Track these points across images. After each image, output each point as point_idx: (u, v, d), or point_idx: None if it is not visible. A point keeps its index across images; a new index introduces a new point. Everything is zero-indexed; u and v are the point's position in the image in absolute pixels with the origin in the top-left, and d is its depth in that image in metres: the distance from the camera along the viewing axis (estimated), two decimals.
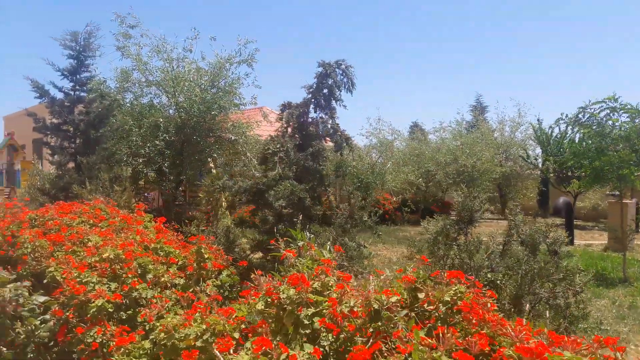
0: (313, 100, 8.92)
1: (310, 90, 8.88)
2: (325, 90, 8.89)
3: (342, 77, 8.93)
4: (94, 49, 13.21)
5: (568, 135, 21.48)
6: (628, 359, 5.32)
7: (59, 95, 13.12)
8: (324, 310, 3.01)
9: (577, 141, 17.90)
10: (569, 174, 20.72)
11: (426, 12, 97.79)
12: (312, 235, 4.33)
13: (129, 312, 3.90)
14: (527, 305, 4.09)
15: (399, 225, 18.81)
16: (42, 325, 3.90)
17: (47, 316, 3.97)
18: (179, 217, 9.82)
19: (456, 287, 3.07)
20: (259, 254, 8.03)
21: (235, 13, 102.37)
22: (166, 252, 4.83)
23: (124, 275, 4.13)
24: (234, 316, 3.31)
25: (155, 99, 14.88)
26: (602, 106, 10.84)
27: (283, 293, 3.16)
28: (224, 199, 9.06)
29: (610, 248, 13.81)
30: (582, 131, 11.77)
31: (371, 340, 2.86)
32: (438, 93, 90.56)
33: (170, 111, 14.69)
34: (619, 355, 2.44)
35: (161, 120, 13.80)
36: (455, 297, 3.02)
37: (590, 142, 11.64)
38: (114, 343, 3.38)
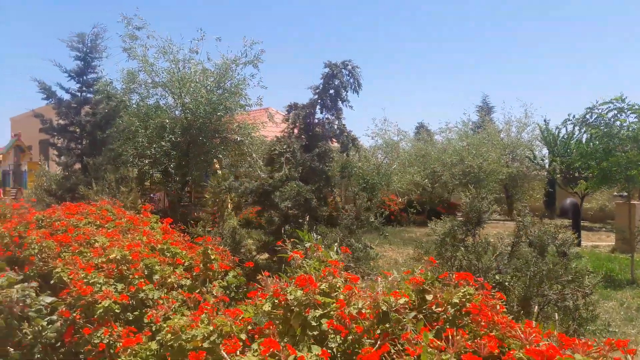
0: (319, 100, 8.91)
1: (317, 91, 8.87)
2: (331, 91, 8.88)
3: (348, 77, 8.91)
4: (101, 51, 13.29)
5: (575, 135, 21.38)
6: None
7: (66, 97, 13.20)
8: (332, 312, 3.00)
9: (584, 142, 17.80)
10: (576, 174, 20.60)
11: (427, 11, 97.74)
12: (319, 237, 4.31)
13: (136, 313, 3.89)
14: (536, 307, 4.05)
15: (404, 226, 18.75)
16: (49, 326, 3.90)
17: (54, 317, 3.97)
18: (184, 218, 9.83)
19: (465, 289, 3.05)
20: (265, 255, 8.03)
21: (235, 13, 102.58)
22: (173, 253, 4.82)
23: (130, 276, 4.13)
24: (240, 317, 3.30)
25: (162, 100, 14.95)
26: (609, 107, 10.77)
27: (290, 294, 3.14)
28: (229, 200, 9.06)
29: (617, 249, 13.71)
30: (589, 132, 11.70)
31: (379, 342, 2.84)
32: (442, 93, 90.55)
33: (176, 112, 14.72)
34: (630, 357, 2.41)
35: (167, 121, 13.83)
36: (464, 299, 2.99)
37: (597, 142, 11.58)
38: (121, 344, 3.38)
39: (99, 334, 3.53)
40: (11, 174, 27.54)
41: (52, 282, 4.45)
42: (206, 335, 3.12)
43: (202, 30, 14.33)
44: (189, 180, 14.60)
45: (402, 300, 2.93)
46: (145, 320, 3.73)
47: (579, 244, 13.85)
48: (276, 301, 3.26)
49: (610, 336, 4.86)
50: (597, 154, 11.41)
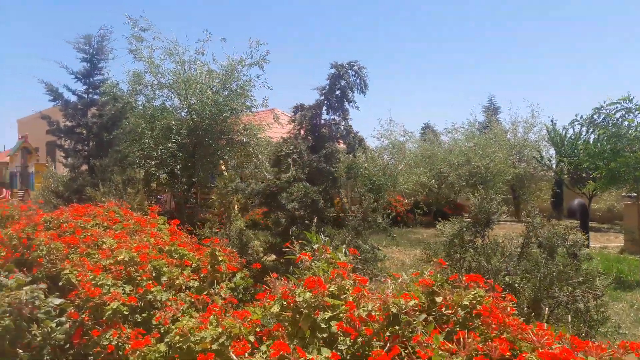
0: (325, 101, 8.89)
1: (323, 91, 8.85)
2: (337, 92, 8.86)
3: (354, 78, 8.89)
4: (107, 52, 13.33)
5: (583, 136, 21.25)
6: None
7: (73, 98, 13.25)
8: (341, 314, 2.98)
9: (591, 142, 17.69)
10: (584, 175, 20.47)
11: (427, 11, 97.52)
12: (327, 238, 4.30)
13: (144, 314, 3.89)
14: (547, 309, 4.01)
15: (411, 227, 18.69)
16: (58, 328, 3.90)
17: (63, 318, 3.97)
18: (191, 219, 9.84)
19: (475, 291, 3.02)
20: (273, 257, 8.02)
21: (235, 13, 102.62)
22: (180, 254, 4.81)
23: (138, 277, 4.13)
24: (248, 319, 3.29)
25: (168, 101, 14.99)
26: (617, 107, 10.70)
27: (299, 296, 3.12)
28: (236, 202, 9.06)
29: (626, 250, 13.61)
30: (597, 132, 11.63)
31: (389, 345, 2.82)
32: (444, 93, 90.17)
33: (182, 113, 14.75)
34: None
35: (173, 122, 13.86)
36: (474, 301, 2.96)
37: (605, 143, 11.51)
38: (130, 346, 3.37)
39: (107, 336, 3.52)
40: (18, 176, 27.66)
41: (60, 283, 4.45)
42: (215, 337, 3.11)
43: (207, 31, 14.38)
44: (195, 181, 14.62)
45: (412, 303, 2.91)
46: (154, 322, 3.73)
47: (587, 245, 13.75)
48: (285, 303, 3.24)
49: (621, 338, 4.82)
50: (605, 154, 11.34)
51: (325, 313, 2.98)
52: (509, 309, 2.96)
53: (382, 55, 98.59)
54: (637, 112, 10.49)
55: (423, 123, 36.62)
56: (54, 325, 3.92)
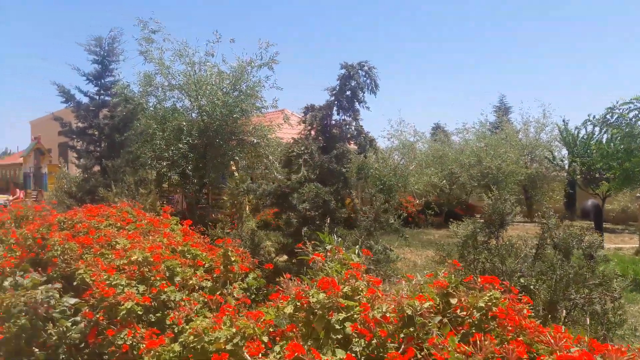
0: (336, 102, 8.88)
1: (333, 92, 8.84)
2: (348, 92, 8.85)
3: (365, 78, 8.87)
4: (118, 54, 13.43)
5: (595, 136, 21.02)
6: None
7: (84, 100, 13.37)
8: (355, 315, 2.96)
9: (604, 142, 17.51)
10: (597, 175, 20.26)
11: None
12: (340, 239, 4.28)
13: (158, 314, 3.90)
14: (564, 311, 3.96)
15: (422, 228, 18.59)
16: (73, 327, 3.93)
17: (78, 318, 4.00)
18: (202, 220, 9.87)
19: (491, 293, 2.99)
20: (284, 257, 8.02)
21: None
22: (193, 254, 4.83)
23: (152, 277, 4.14)
24: (262, 319, 3.29)
25: (178, 102, 15.07)
26: (630, 107, 10.59)
27: (313, 297, 3.11)
28: (247, 202, 9.09)
29: None
30: (610, 132, 11.52)
31: (403, 346, 2.80)
32: (455, 94, 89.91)
33: (193, 115, 14.82)
34: None
35: (184, 123, 13.92)
36: (490, 303, 2.94)
37: (618, 143, 11.38)
38: (144, 346, 3.38)
39: (122, 336, 3.54)
40: (32, 177, 28.01)
41: (74, 283, 4.48)
42: (229, 337, 3.11)
43: (217, 32, 14.44)
44: (206, 182, 14.68)
45: (427, 304, 2.89)
46: (168, 322, 3.74)
47: (602, 247, 13.58)
48: (298, 304, 3.23)
49: (638, 341, 4.75)
50: (618, 154, 11.22)
51: (340, 314, 2.97)
52: (525, 311, 2.93)
53: (383, 55, 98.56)
54: None
55: (433, 123, 36.50)
56: (69, 324, 3.95)
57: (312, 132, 9.02)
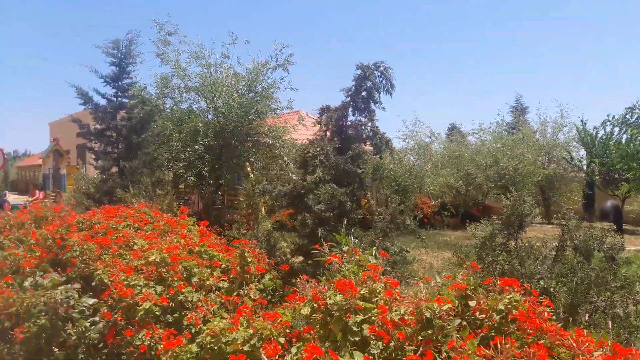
0: (351, 103, 8.85)
1: (349, 93, 8.81)
2: (363, 93, 8.81)
3: (380, 79, 8.82)
4: (135, 56, 13.56)
5: (614, 136, 20.70)
6: None
7: (102, 102, 13.53)
8: (373, 318, 2.94)
9: (624, 142, 17.22)
10: (616, 176, 19.93)
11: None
12: (357, 240, 4.26)
13: (175, 315, 3.92)
14: (586, 315, 3.89)
15: (438, 229, 18.46)
16: (92, 327, 3.97)
17: (97, 318, 4.03)
18: (218, 221, 9.91)
19: (511, 296, 2.95)
20: (300, 258, 8.01)
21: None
22: (210, 255, 4.85)
23: (170, 278, 4.17)
24: (278, 321, 3.28)
25: (194, 104, 15.16)
26: None
27: (330, 299, 3.10)
28: (263, 203, 9.11)
29: None
30: (630, 132, 11.33)
31: (422, 349, 2.77)
32: (471, 95, 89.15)
33: (209, 116, 14.91)
34: None
35: (200, 125, 14.01)
36: (510, 306, 2.90)
37: (638, 143, 11.19)
38: (162, 346, 3.40)
39: (140, 336, 3.57)
40: (51, 178, 28.44)
41: (93, 283, 4.52)
42: (246, 338, 3.11)
43: (233, 33, 14.49)
44: (222, 183, 14.75)
45: (445, 307, 2.86)
46: (185, 323, 3.76)
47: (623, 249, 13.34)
48: (315, 305, 3.22)
49: None
50: (638, 154, 11.02)
51: (357, 316, 2.95)
52: (545, 314, 2.88)
53: (406, 56, 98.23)
54: None
55: (449, 124, 36.25)
56: (88, 324, 3.99)
57: (328, 133, 9.00)
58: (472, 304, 3.04)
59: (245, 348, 3.07)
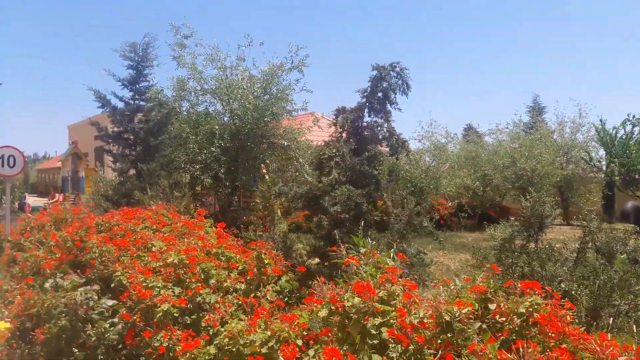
0: (367, 104, 8.82)
1: (365, 94, 8.79)
2: (379, 94, 8.78)
3: (396, 79, 8.79)
4: (151, 59, 13.69)
5: (635, 136, 20.31)
6: None
7: (120, 105, 13.67)
8: (392, 321, 2.92)
9: None
10: (637, 177, 19.55)
11: (465, 10, 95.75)
12: (374, 242, 4.23)
13: (193, 316, 3.93)
14: (610, 318, 3.80)
15: (454, 231, 18.29)
16: (111, 329, 4.00)
17: (116, 319, 4.07)
18: (234, 222, 9.95)
19: (532, 299, 2.91)
20: (316, 260, 8.00)
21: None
22: (227, 257, 4.86)
23: (187, 280, 4.18)
24: (295, 323, 3.27)
25: (211, 106, 15.24)
26: None
27: (348, 301, 3.08)
28: (279, 205, 9.12)
29: None
30: None
31: (440, 352, 2.74)
32: (488, 95, 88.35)
33: (225, 118, 14.98)
34: None
35: (216, 127, 14.09)
36: (531, 309, 2.85)
37: None
38: (180, 348, 3.41)
39: (159, 337, 3.58)
40: (69, 180, 28.87)
41: (112, 285, 4.56)
42: (264, 340, 3.11)
43: (249, 36, 14.53)
44: (238, 185, 14.81)
45: (465, 310, 2.82)
46: (203, 324, 3.77)
47: None
48: (333, 308, 3.20)
49: None
50: None
51: (375, 319, 2.93)
52: (567, 317, 2.83)
53: (422, 56, 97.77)
54: None
55: (465, 124, 35.95)
56: (107, 325, 4.02)
57: (344, 135, 8.98)
58: (492, 307, 3.00)
59: (263, 350, 3.06)
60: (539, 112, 38.25)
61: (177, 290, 4.10)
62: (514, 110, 62.22)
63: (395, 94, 8.81)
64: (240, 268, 4.74)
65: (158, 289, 4.01)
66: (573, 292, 4.38)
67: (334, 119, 9.14)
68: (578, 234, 6.01)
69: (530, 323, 2.81)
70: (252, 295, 4.24)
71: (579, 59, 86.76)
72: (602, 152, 23.38)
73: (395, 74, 8.79)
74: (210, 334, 3.62)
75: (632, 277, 4.47)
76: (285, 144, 14.86)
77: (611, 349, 2.48)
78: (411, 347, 2.77)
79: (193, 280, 4.16)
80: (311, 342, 3.20)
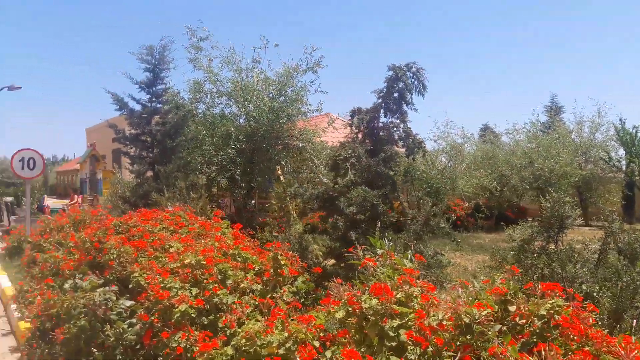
0: (383, 104, 8.77)
1: (380, 94, 8.74)
2: (395, 94, 8.72)
3: (412, 79, 8.72)
4: (168, 62, 13.79)
5: None
6: None
7: (137, 107, 13.79)
8: (410, 322, 2.89)
9: None
10: None
11: (481, 10, 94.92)
12: (391, 243, 4.20)
13: (210, 317, 3.95)
14: (634, 320, 3.72)
15: (471, 232, 18.10)
16: (129, 329, 4.03)
17: (134, 320, 4.10)
18: (250, 223, 9.99)
19: (553, 301, 2.86)
20: (332, 261, 7.98)
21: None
22: (244, 258, 4.87)
23: (205, 281, 4.20)
24: (312, 324, 3.26)
25: (226, 108, 15.33)
26: None
27: (365, 303, 3.06)
28: (294, 206, 9.13)
29: None
30: None
31: (459, 355, 2.71)
32: (504, 95, 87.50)
33: (241, 120, 15.04)
34: None
35: (232, 129, 14.17)
36: (552, 311, 2.81)
37: None
38: (198, 348, 3.42)
39: (176, 338, 3.60)
40: (87, 182, 29.28)
41: (130, 286, 4.60)
42: (281, 341, 3.11)
43: (264, 37, 14.58)
44: (253, 186, 14.86)
45: (485, 312, 2.78)
46: (220, 325, 3.78)
47: None
48: (350, 309, 3.19)
49: None
50: None
51: (393, 321, 2.90)
52: (590, 319, 2.78)
53: (438, 57, 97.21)
54: None
55: (482, 124, 35.61)
56: (125, 326, 4.05)
57: (359, 135, 8.94)
58: (512, 309, 2.96)
59: (281, 351, 3.06)
60: (556, 111, 37.70)
61: (194, 291, 4.13)
62: (532, 110, 61.42)
63: (412, 94, 8.74)
64: (256, 269, 4.75)
65: (175, 290, 4.04)
66: (595, 294, 4.30)
67: (350, 120, 9.11)
68: (598, 235, 5.90)
69: (551, 325, 2.77)
70: (268, 296, 4.24)
71: (598, 58, 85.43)
72: (621, 151, 23.01)
73: (411, 74, 8.72)
74: (228, 334, 3.62)
75: None
76: (301, 145, 14.88)
77: (635, 352, 2.43)
78: (430, 349, 2.74)
79: (210, 281, 4.18)
80: (328, 343, 3.19)
